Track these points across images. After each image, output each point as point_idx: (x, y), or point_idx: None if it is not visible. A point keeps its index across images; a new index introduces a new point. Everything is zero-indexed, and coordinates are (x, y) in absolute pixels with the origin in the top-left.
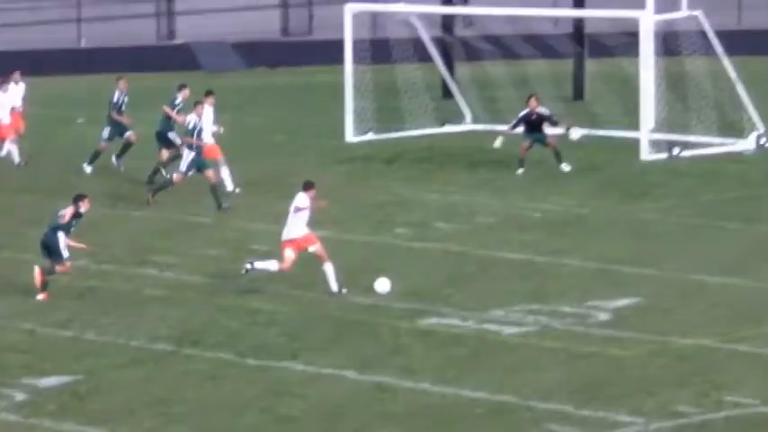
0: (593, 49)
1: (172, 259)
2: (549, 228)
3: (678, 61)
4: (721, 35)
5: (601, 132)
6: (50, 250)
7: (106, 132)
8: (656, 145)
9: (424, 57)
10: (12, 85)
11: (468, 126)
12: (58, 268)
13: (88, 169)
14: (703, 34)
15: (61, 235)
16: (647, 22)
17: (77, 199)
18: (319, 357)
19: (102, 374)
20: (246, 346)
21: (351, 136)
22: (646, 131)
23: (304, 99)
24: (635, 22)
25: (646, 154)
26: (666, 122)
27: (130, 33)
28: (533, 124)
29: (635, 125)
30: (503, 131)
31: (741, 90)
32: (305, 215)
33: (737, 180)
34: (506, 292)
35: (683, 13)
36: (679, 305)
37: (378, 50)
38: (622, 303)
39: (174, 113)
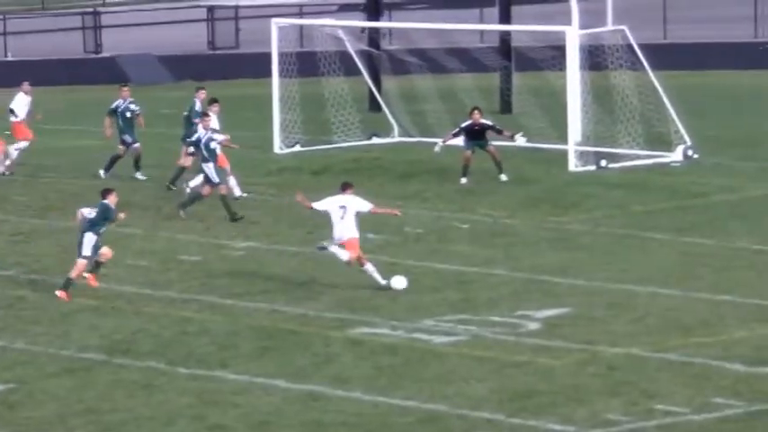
0: (519, 62)
1: (102, 269)
2: (478, 239)
3: (604, 75)
4: (647, 49)
5: (529, 145)
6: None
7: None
8: (584, 157)
9: (351, 70)
10: (21, 95)
11: (395, 139)
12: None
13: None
14: (629, 48)
15: (88, 234)
16: (573, 36)
17: (105, 193)
18: (250, 366)
19: (33, 383)
20: (177, 355)
21: (278, 148)
22: (573, 144)
23: (231, 112)
24: (561, 36)
25: (574, 166)
26: (594, 135)
27: (57, 47)
28: (475, 134)
29: (563, 138)
30: (444, 139)
31: (668, 103)
32: (352, 215)
33: (666, 191)
34: (436, 302)
35: (609, 27)
36: (608, 315)
37: (304, 64)
38: (552, 313)
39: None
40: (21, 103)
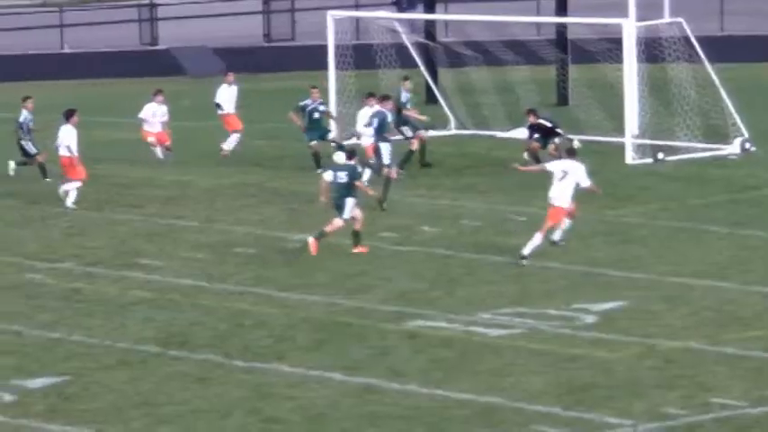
0: (576, 55)
1: (158, 262)
2: (534, 231)
3: (661, 67)
4: (704, 41)
5: (585, 138)
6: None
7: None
8: (641, 150)
9: (408, 62)
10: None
11: (452, 131)
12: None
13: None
14: (686, 40)
15: (350, 199)
16: (630, 28)
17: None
18: (306, 359)
19: (89, 376)
20: (233, 347)
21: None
22: (630, 136)
23: (286, 105)
24: (618, 29)
25: (630, 158)
26: (651, 128)
27: (113, 39)
28: (542, 132)
29: (619, 130)
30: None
31: (725, 96)
32: (571, 183)
33: (722, 184)
34: (493, 295)
35: (666, 19)
36: (665, 308)
37: (361, 56)
38: (609, 306)
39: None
40: (225, 94)
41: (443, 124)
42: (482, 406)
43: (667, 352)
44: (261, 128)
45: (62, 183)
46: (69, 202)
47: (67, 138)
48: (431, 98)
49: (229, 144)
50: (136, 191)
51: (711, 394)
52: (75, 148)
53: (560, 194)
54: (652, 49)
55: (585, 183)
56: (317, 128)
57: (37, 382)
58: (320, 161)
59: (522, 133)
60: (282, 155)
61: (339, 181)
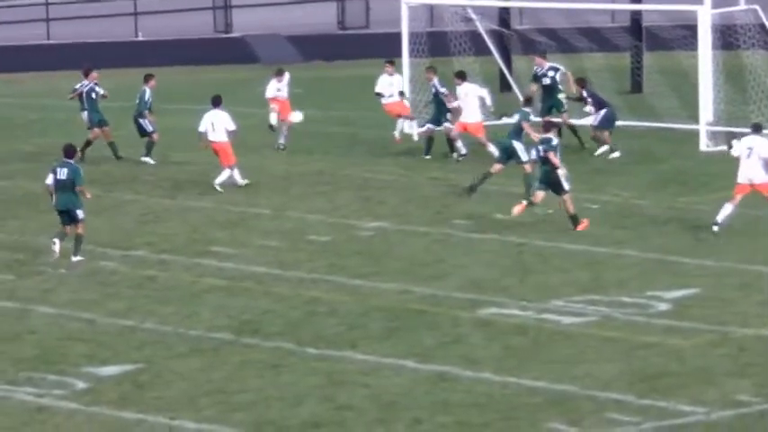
0: (650, 42)
1: (231, 250)
2: (608, 219)
3: (736, 54)
4: None
5: (659, 125)
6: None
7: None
8: (715, 137)
9: (482, 50)
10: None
11: None
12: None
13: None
14: (762, 27)
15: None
16: (705, 15)
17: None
18: (379, 347)
19: (161, 363)
20: (306, 335)
21: (408, 128)
22: (705, 124)
23: (361, 93)
24: (693, 16)
25: (705, 146)
26: (725, 115)
27: (187, 27)
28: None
29: (694, 118)
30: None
31: None
32: (758, 157)
33: None
34: (566, 283)
35: (742, 6)
36: (738, 296)
37: (435, 43)
38: (682, 294)
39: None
40: (385, 83)
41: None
42: (555, 394)
43: (740, 340)
44: (334, 115)
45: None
46: (238, 180)
47: (222, 122)
48: (504, 85)
49: (407, 130)
50: (209, 178)
51: None
52: (231, 130)
53: (751, 171)
54: (727, 36)
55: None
56: (440, 111)
57: (110, 370)
58: (452, 145)
59: (589, 116)
60: (355, 142)
61: (540, 156)
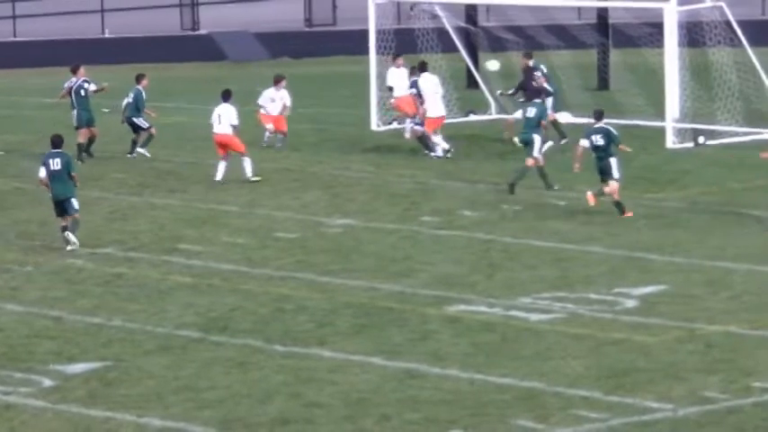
0: (617, 39)
1: (199, 247)
2: (575, 216)
3: (702, 52)
4: (745, 26)
5: (626, 122)
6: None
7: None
8: (682, 134)
9: (449, 47)
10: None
11: (493, 116)
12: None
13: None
14: (727, 25)
15: (614, 159)
16: (671, 13)
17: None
18: (347, 344)
19: (129, 361)
20: (274, 332)
21: (375, 125)
22: (671, 121)
23: (328, 89)
24: (659, 13)
25: (671, 143)
26: (691, 112)
27: (154, 24)
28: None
29: (660, 115)
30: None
31: (766, 80)
32: None
33: (763, 169)
34: (533, 280)
35: (707, 4)
36: (706, 292)
37: (402, 41)
38: (649, 290)
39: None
40: (394, 76)
41: (484, 109)
42: (523, 390)
43: (708, 336)
44: (302, 112)
45: (224, 160)
46: (249, 173)
47: (229, 116)
48: (472, 83)
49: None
50: (177, 175)
51: (752, 378)
52: (234, 124)
53: None
54: (693, 34)
55: None
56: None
57: (77, 368)
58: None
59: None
60: (324, 139)
61: (597, 144)
